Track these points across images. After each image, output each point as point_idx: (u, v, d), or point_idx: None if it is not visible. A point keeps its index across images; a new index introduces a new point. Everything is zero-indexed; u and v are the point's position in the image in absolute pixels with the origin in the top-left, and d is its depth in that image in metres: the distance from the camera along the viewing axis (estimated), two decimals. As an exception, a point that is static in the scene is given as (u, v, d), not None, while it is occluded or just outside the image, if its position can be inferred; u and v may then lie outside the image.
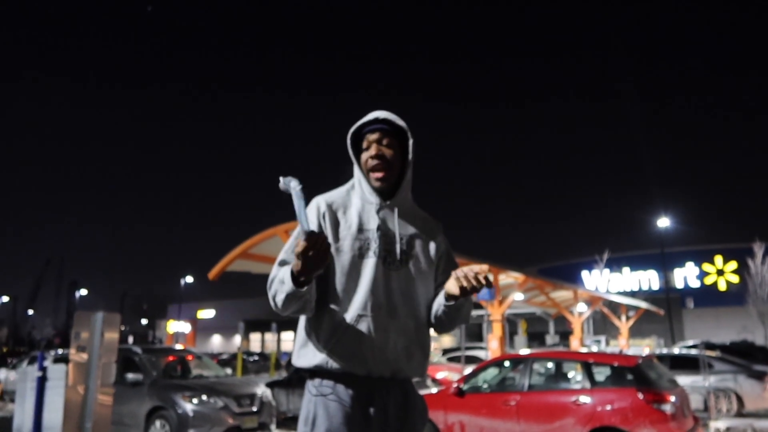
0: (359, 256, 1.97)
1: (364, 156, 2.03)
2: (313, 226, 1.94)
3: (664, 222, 32.86)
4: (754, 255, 30.77)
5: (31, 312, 75.85)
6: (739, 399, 11.84)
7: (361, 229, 2.00)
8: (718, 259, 43.12)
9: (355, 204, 2.04)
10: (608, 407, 6.63)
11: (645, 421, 6.37)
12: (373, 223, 2.01)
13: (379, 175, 2.00)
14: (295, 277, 1.77)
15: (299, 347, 1.98)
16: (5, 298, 73.68)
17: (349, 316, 1.90)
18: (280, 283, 1.84)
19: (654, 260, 41.33)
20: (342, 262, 1.95)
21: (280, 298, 1.85)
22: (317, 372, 1.92)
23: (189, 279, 54.36)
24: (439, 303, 1.99)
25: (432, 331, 2.10)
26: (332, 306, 1.92)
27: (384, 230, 2.01)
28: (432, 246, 2.08)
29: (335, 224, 2.00)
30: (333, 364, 1.88)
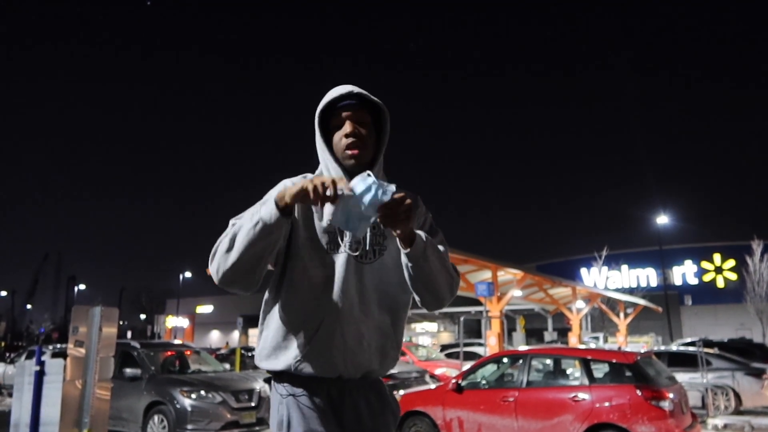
0: (328, 251, 1.80)
1: (337, 135, 1.84)
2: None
3: (662, 219, 32.90)
4: (752, 252, 30.76)
5: (29, 306, 75.84)
6: (737, 396, 11.85)
7: (330, 220, 1.78)
8: (717, 257, 43.17)
9: None
10: (606, 404, 6.63)
11: (643, 418, 6.37)
12: None
13: (353, 152, 1.80)
14: (282, 207, 1.61)
15: (264, 349, 1.83)
16: (3, 293, 73.73)
17: (319, 318, 1.76)
18: (250, 216, 1.66)
19: (652, 257, 41.32)
20: (311, 258, 1.79)
21: (243, 235, 1.63)
22: (285, 374, 1.80)
23: (188, 274, 54.46)
24: (404, 265, 1.76)
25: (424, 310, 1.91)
26: (300, 306, 1.78)
27: None
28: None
29: (306, 214, 1.82)
30: (302, 369, 1.76)
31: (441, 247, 1.83)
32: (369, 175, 1.56)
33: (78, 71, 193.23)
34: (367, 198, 1.52)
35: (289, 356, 1.77)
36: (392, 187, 1.56)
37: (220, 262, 1.68)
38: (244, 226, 1.65)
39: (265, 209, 1.62)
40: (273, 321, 1.83)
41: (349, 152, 1.81)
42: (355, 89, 1.85)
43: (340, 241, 1.80)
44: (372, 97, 1.86)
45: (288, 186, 1.69)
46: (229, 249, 1.66)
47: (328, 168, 1.85)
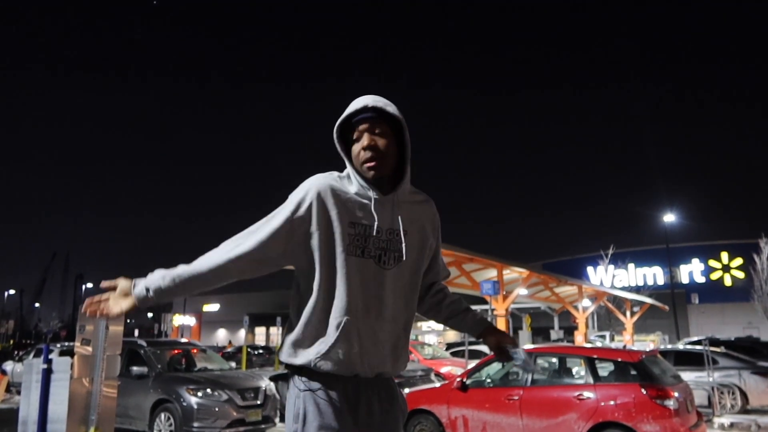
0: (352, 254, 1.85)
1: (356, 148, 1.89)
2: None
3: (669, 217, 32.80)
4: (760, 251, 30.61)
5: (37, 305, 76.30)
6: (744, 395, 11.80)
7: (353, 224, 1.86)
8: (724, 255, 42.94)
9: (348, 197, 1.89)
10: (612, 402, 6.62)
11: (648, 417, 6.37)
12: (367, 219, 1.88)
13: (372, 164, 1.86)
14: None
15: (288, 345, 1.90)
16: (12, 291, 74.18)
17: (340, 319, 1.82)
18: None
19: (659, 256, 41.12)
20: (333, 260, 1.84)
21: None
22: (304, 369, 1.87)
23: (194, 272, 54.39)
24: (452, 312, 2.13)
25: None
26: (323, 306, 1.84)
27: (379, 228, 1.88)
28: (428, 232, 2.02)
29: (326, 217, 1.86)
30: (321, 366, 1.83)
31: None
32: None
33: (88, 67, 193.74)
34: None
35: (309, 353, 1.84)
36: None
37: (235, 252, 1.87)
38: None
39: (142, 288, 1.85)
40: (296, 319, 1.90)
41: (366, 165, 1.87)
42: (370, 102, 1.88)
43: (364, 247, 1.86)
44: (388, 108, 1.88)
45: (116, 298, 1.86)
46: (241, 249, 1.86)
47: (354, 179, 1.91)
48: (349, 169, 1.92)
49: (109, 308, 1.84)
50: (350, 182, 1.91)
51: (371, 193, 1.89)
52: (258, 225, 1.88)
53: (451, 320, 2.15)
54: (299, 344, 1.87)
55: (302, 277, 1.91)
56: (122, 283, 1.87)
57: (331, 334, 1.82)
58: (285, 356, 1.91)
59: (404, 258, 1.91)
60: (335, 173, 1.95)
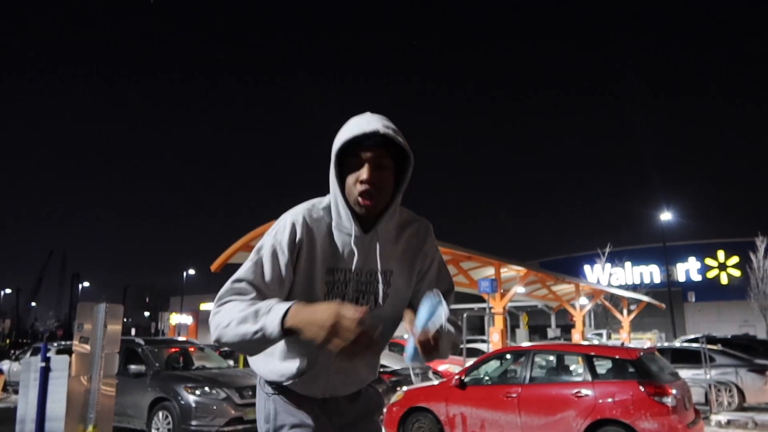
0: (328, 297, 1.71)
1: (352, 178, 1.66)
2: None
3: (666, 216, 32.81)
4: (756, 249, 30.71)
5: (34, 304, 76.12)
6: (741, 392, 11.85)
7: (332, 271, 1.71)
8: (721, 254, 43.01)
9: (329, 237, 1.72)
10: (609, 400, 6.64)
11: (646, 414, 6.38)
12: (346, 260, 1.72)
13: (367, 203, 1.65)
14: (286, 328, 1.49)
15: (262, 358, 1.82)
16: (8, 290, 74.01)
17: (312, 359, 1.74)
18: (254, 313, 1.53)
19: (656, 254, 41.21)
20: (311, 299, 1.66)
21: (241, 330, 1.53)
22: (273, 383, 1.83)
23: (191, 271, 54.58)
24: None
25: None
26: (295, 339, 1.62)
27: (359, 269, 1.73)
28: (417, 263, 1.83)
29: (311, 254, 1.70)
30: (290, 387, 1.80)
31: (452, 328, 1.67)
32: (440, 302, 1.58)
33: (78, 63, 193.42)
34: (427, 321, 1.56)
35: (278, 371, 1.79)
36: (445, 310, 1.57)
37: (219, 332, 1.59)
38: (245, 320, 1.53)
39: (270, 322, 1.49)
40: None
41: (361, 201, 1.65)
42: (382, 128, 1.63)
43: (341, 291, 1.73)
44: (399, 139, 1.65)
45: (306, 315, 1.48)
46: (227, 326, 1.56)
47: (338, 207, 1.71)
48: (335, 198, 1.71)
49: None
50: (333, 212, 1.73)
51: (353, 229, 1.70)
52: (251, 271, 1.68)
53: None
54: (269, 355, 1.78)
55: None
56: None
57: (302, 365, 1.75)
58: (253, 361, 1.86)
59: (388, 297, 1.78)
60: (315, 203, 1.77)
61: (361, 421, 1.90)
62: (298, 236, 1.68)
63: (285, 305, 1.51)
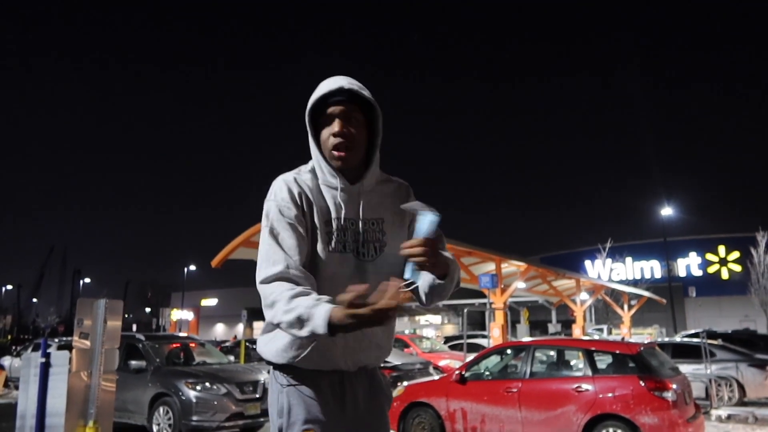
0: (330, 250, 1.76)
1: (326, 133, 1.79)
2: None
3: (667, 211, 32.80)
4: (757, 244, 30.72)
5: (35, 300, 76.21)
6: (741, 387, 11.86)
7: (328, 220, 1.79)
8: (721, 249, 43.01)
9: (318, 193, 1.81)
10: (610, 395, 6.64)
11: (646, 409, 6.38)
12: (339, 211, 1.80)
13: (341, 154, 1.77)
14: (334, 324, 1.48)
15: (268, 340, 1.84)
16: (9, 286, 74.10)
17: None
18: (306, 307, 1.54)
19: (657, 249, 41.22)
20: (315, 257, 1.75)
21: (294, 325, 1.56)
22: (285, 366, 1.81)
23: (192, 267, 54.60)
24: (427, 282, 1.78)
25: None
26: None
27: (353, 219, 1.81)
28: (406, 217, 1.90)
29: (309, 208, 1.78)
30: (302, 364, 1.78)
31: (449, 254, 1.79)
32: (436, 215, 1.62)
33: (82, 59, 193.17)
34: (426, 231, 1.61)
35: (289, 353, 1.78)
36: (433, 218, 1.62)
37: (278, 317, 1.61)
38: (300, 315, 1.54)
39: (318, 322, 1.50)
40: None
41: (336, 153, 1.77)
42: (346, 84, 1.78)
43: (341, 241, 1.78)
44: (364, 93, 1.79)
45: (349, 312, 1.46)
46: (286, 312, 1.57)
47: (320, 167, 1.82)
48: (316, 157, 1.83)
49: None
50: (317, 172, 1.84)
51: (338, 182, 1.80)
52: (270, 248, 1.72)
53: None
54: (279, 339, 1.79)
55: None
56: None
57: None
58: (265, 353, 1.86)
59: (384, 246, 1.83)
60: (301, 168, 1.87)
61: (373, 415, 1.90)
62: (296, 191, 1.78)
63: (323, 320, 1.50)
